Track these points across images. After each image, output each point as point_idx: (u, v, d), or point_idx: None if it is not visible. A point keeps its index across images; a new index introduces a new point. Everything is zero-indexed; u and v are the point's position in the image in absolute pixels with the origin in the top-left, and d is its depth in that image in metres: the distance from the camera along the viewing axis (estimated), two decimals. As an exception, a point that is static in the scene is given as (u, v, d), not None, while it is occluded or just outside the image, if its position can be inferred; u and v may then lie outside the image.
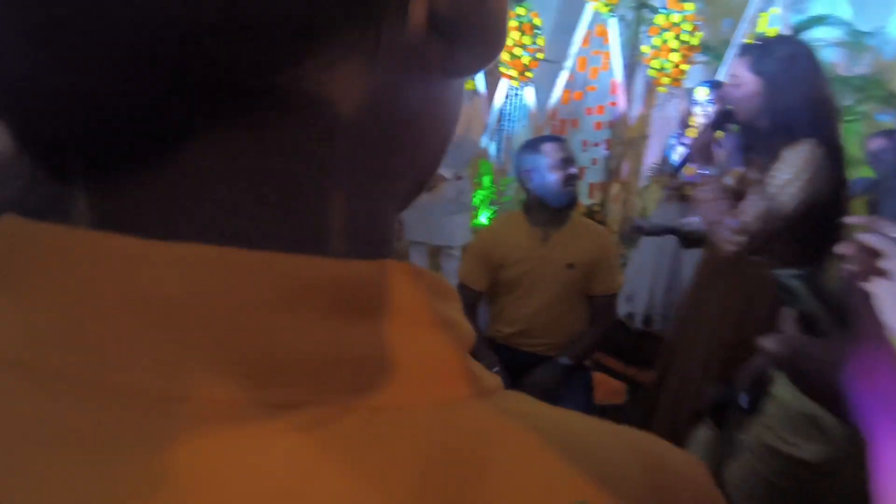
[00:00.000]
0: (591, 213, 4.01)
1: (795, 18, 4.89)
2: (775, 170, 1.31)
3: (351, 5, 0.15)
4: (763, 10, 3.60)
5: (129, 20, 0.14)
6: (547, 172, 1.69)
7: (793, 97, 1.31)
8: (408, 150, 0.20)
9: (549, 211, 1.73)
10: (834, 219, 1.34)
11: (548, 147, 1.72)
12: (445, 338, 0.17)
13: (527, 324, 1.77)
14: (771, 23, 3.56)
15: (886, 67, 5.14)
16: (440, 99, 0.20)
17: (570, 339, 1.77)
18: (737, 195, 1.37)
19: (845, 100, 4.93)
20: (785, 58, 1.34)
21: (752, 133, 1.45)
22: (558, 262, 1.72)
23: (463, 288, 1.80)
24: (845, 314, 0.62)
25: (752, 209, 1.30)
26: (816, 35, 4.99)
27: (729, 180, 1.46)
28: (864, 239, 0.73)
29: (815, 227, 1.33)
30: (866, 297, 0.67)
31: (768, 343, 0.67)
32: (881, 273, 0.71)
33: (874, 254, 0.71)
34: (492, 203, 4.78)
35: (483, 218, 4.90)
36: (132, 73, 0.14)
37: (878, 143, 2.47)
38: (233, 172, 0.16)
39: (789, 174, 1.28)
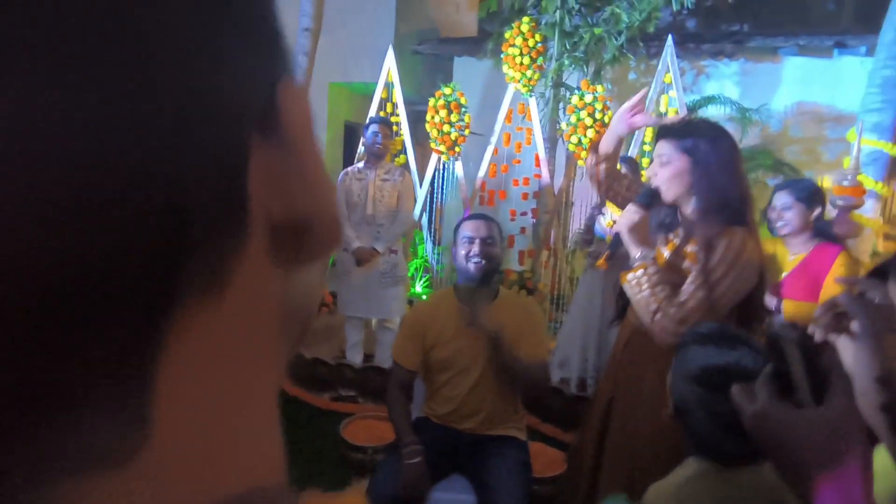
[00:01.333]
0: (521, 280, 4.13)
1: (690, 98, 5.46)
2: (713, 259, 1.31)
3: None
4: (663, 91, 3.99)
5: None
6: (458, 249, 1.79)
7: (721, 177, 1.35)
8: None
9: (473, 289, 1.77)
10: (759, 297, 1.41)
11: (464, 224, 1.82)
12: None
13: (460, 402, 1.77)
14: (670, 103, 3.95)
15: (773, 138, 5.80)
16: (296, 285, 0.21)
17: (500, 416, 1.78)
18: (671, 281, 1.36)
19: (741, 168, 5.48)
20: (711, 138, 1.37)
21: (679, 212, 1.46)
22: (486, 340, 1.73)
23: (397, 367, 1.80)
24: (824, 385, 0.67)
25: (691, 301, 1.30)
26: (709, 112, 5.59)
27: (658, 260, 1.44)
28: (835, 300, 0.79)
29: (744, 308, 1.37)
30: (834, 352, 0.73)
31: (742, 401, 0.70)
32: (846, 331, 0.76)
33: (842, 314, 0.77)
34: (426, 272, 4.84)
35: (419, 287, 4.93)
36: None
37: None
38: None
39: (726, 264, 1.30)
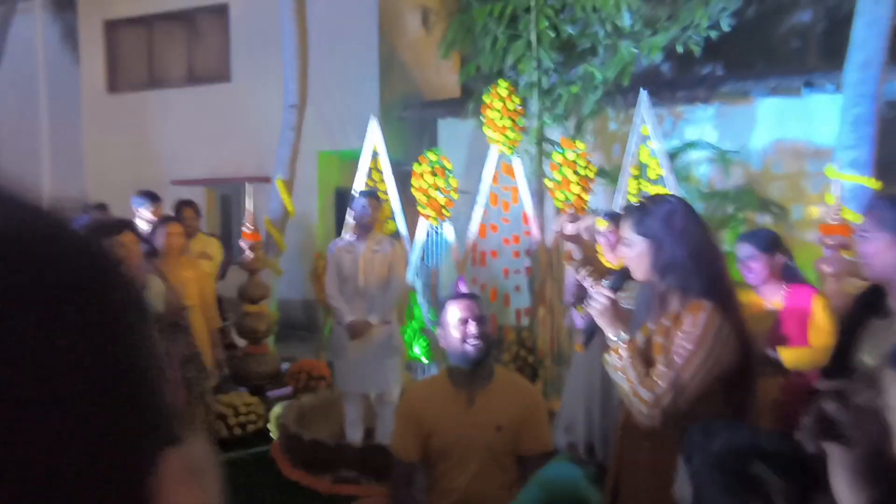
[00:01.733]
0: (520, 339, 4.09)
1: (670, 145, 5.59)
2: (678, 339, 1.30)
3: None
4: (642, 142, 4.08)
5: None
6: (450, 332, 1.71)
7: (677, 254, 1.35)
8: None
9: (468, 371, 1.71)
10: (747, 374, 1.36)
11: (452, 306, 1.74)
12: None
13: (462, 493, 1.69)
14: (651, 153, 4.03)
15: (756, 177, 5.91)
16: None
17: None
18: (644, 363, 1.35)
19: (726, 209, 5.55)
20: (664, 216, 1.38)
21: (652, 290, 1.46)
22: (487, 426, 1.68)
23: (398, 462, 1.72)
24: None
25: (658, 386, 1.29)
26: (691, 157, 5.71)
27: (641, 338, 1.44)
28: (822, 409, 0.78)
29: (728, 386, 1.33)
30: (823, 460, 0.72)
31: None
32: (836, 438, 0.76)
33: (831, 421, 0.77)
34: (423, 333, 4.79)
35: (417, 349, 4.87)
36: None
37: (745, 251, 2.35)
38: None
39: (691, 345, 1.28)
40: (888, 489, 0.72)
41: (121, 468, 0.23)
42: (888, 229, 1.40)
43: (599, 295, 1.42)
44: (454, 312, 1.72)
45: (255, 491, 3.05)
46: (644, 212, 1.43)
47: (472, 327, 1.70)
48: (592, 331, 1.50)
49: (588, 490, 1.54)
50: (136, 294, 0.26)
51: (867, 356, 1.43)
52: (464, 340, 1.69)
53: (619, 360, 1.37)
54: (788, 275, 2.25)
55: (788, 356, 2.09)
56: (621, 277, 1.48)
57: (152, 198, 3.89)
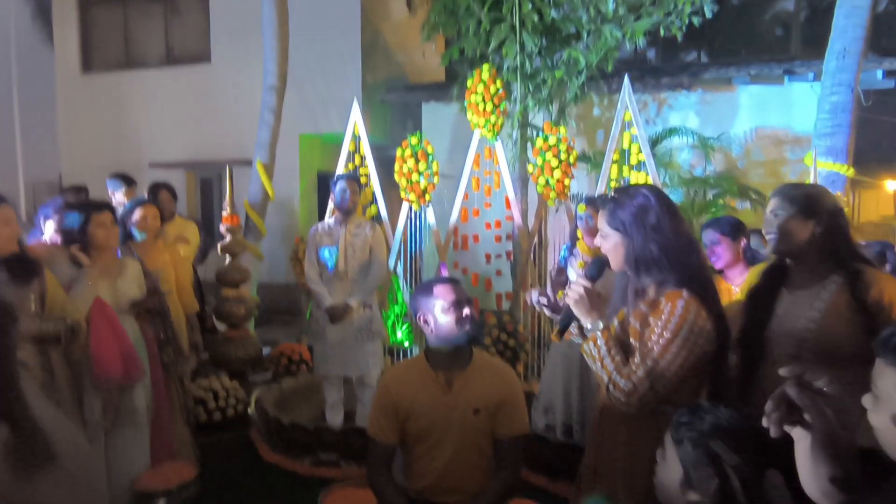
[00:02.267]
0: (501, 323, 4.11)
1: (652, 131, 5.62)
2: (655, 326, 1.31)
3: None
4: (625, 128, 4.09)
5: None
6: (441, 315, 1.68)
7: (649, 245, 1.36)
8: None
9: (448, 354, 1.71)
10: (722, 360, 1.38)
11: (439, 289, 1.71)
12: None
13: (438, 475, 1.70)
14: (632, 140, 4.04)
15: (736, 163, 5.97)
16: None
17: (479, 491, 1.70)
18: (620, 352, 1.36)
19: (706, 196, 5.60)
20: (635, 211, 1.38)
21: (628, 280, 1.47)
22: (464, 409, 1.69)
23: (374, 443, 1.71)
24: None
25: (635, 375, 1.30)
26: (673, 143, 5.74)
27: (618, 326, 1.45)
28: (784, 392, 0.80)
29: (704, 372, 1.35)
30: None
31: None
32: (800, 423, 0.79)
33: (793, 405, 0.79)
34: (405, 319, 4.79)
35: (399, 334, 4.87)
36: None
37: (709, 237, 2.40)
38: None
39: (668, 333, 1.29)
40: (849, 467, 0.74)
41: None
42: (795, 206, 1.53)
43: (576, 283, 1.43)
44: (444, 295, 1.70)
45: (234, 474, 3.05)
46: (616, 204, 1.43)
47: (467, 309, 1.70)
48: (568, 320, 1.50)
49: None
50: None
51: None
52: (458, 323, 1.68)
53: (595, 349, 1.37)
54: (752, 259, 2.36)
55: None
56: (599, 266, 1.48)
57: (127, 181, 3.81)
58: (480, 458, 1.72)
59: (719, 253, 2.33)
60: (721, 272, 2.40)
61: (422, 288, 1.79)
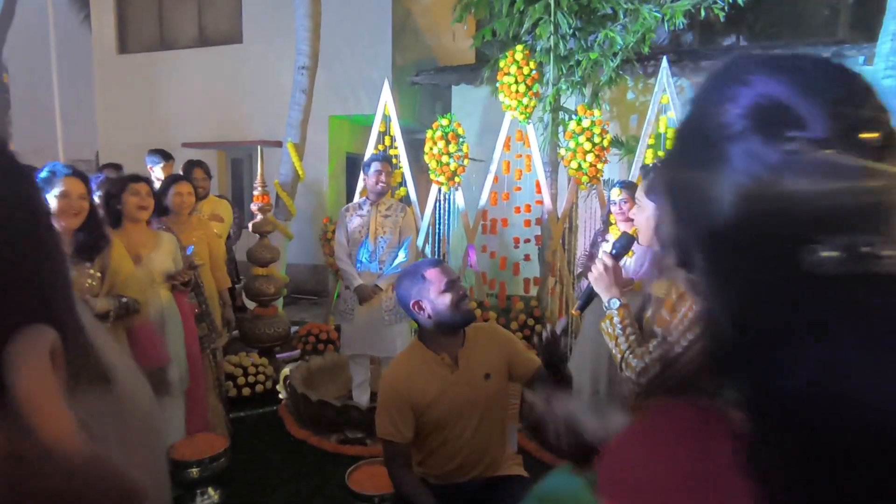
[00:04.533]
0: (529, 308, 4.07)
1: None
2: (680, 311, 1.28)
3: None
4: (662, 112, 3.97)
5: None
6: (437, 299, 1.64)
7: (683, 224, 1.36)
8: None
9: (447, 334, 1.68)
10: None
11: (431, 273, 1.67)
12: None
13: (464, 457, 1.69)
14: (669, 123, 3.92)
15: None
16: None
17: (499, 458, 1.71)
18: (636, 332, 1.35)
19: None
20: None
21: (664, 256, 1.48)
22: (476, 378, 1.68)
23: (390, 445, 1.66)
24: None
25: (652, 353, 1.28)
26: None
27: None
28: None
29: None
30: None
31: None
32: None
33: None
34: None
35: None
36: None
37: None
38: None
39: (687, 323, 1.26)
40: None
41: None
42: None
43: (599, 260, 1.42)
44: (437, 278, 1.66)
45: (262, 449, 3.10)
46: (652, 174, 1.43)
47: (462, 289, 1.68)
48: (590, 296, 1.49)
49: (590, 501, 1.50)
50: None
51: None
52: (459, 303, 1.65)
53: (611, 326, 1.37)
54: None
55: None
56: (625, 243, 1.47)
57: (165, 156, 3.88)
58: (499, 425, 1.73)
59: None
60: None
61: (409, 275, 1.73)
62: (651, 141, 3.98)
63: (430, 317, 1.66)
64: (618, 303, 1.39)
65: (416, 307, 1.67)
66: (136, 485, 0.24)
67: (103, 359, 0.30)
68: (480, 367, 1.69)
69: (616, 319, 1.37)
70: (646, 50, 5.06)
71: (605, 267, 1.42)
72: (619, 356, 1.34)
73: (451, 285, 1.66)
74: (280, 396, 3.67)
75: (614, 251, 1.46)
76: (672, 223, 0.47)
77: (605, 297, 1.41)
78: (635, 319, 1.42)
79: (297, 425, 3.31)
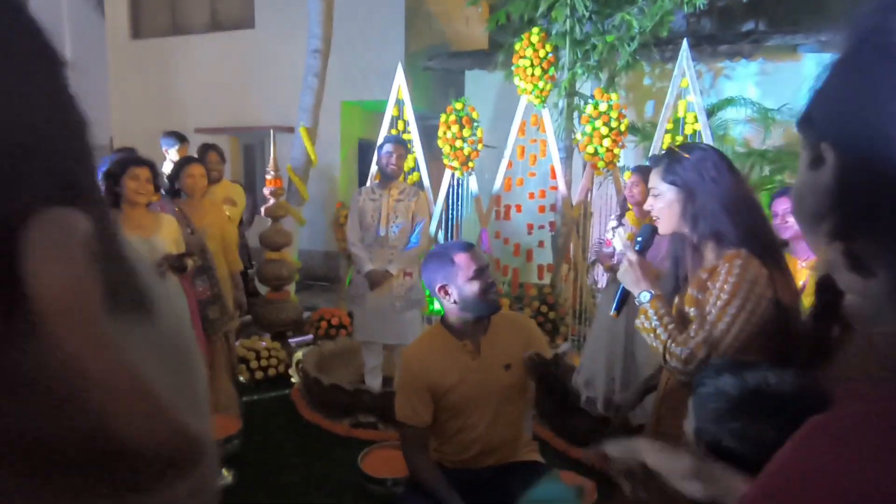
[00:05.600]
0: (542, 295, 4.03)
1: (708, 102, 5.33)
2: (711, 290, 1.27)
3: None
4: (681, 96, 3.89)
5: None
6: (465, 286, 1.59)
7: (708, 202, 1.29)
8: None
9: (470, 322, 1.64)
10: (786, 326, 1.27)
11: (461, 258, 1.60)
12: None
13: (482, 443, 1.67)
14: (688, 108, 3.84)
15: (797, 138, 5.61)
16: None
17: (516, 448, 1.69)
18: (673, 321, 1.31)
19: (763, 171, 5.32)
20: (695, 163, 1.32)
21: (684, 243, 1.41)
22: (497, 368, 1.64)
23: (409, 428, 1.63)
24: None
25: (692, 341, 1.24)
26: (728, 115, 5.45)
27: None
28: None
29: (767, 339, 1.25)
30: None
31: None
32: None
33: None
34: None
35: (437, 304, 4.86)
36: None
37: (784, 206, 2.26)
38: None
39: (725, 296, 1.23)
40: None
41: None
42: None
43: (625, 257, 1.39)
44: (467, 264, 1.60)
45: (275, 432, 3.11)
46: (672, 159, 1.36)
47: (490, 278, 1.64)
48: (625, 296, 1.45)
49: None
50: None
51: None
52: (487, 291, 1.60)
53: (646, 321, 1.33)
54: None
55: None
56: (647, 234, 1.43)
57: (180, 138, 3.88)
58: (517, 414, 1.70)
59: (792, 223, 2.18)
60: (787, 244, 2.27)
61: (437, 257, 1.65)
62: (669, 126, 3.90)
63: (455, 302, 1.61)
64: (648, 295, 1.35)
65: (441, 291, 1.62)
66: (195, 435, 0.19)
67: (142, 278, 0.24)
68: (502, 357, 1.65)
69: (650, 312, 1.33)
70: (664, 33, 4.95)
71: (630, 262, 1.38)
72: (660, 348, 1.30)
73: (480, 273, 1.60)
74: (292, 380, 3.68)
75: (638, 246, 1.42)
76: (837, 180, 0.38)
77: (634, 292, 1.38)
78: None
79: (310, 409, 3.31)
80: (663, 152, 1.47)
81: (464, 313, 1.62)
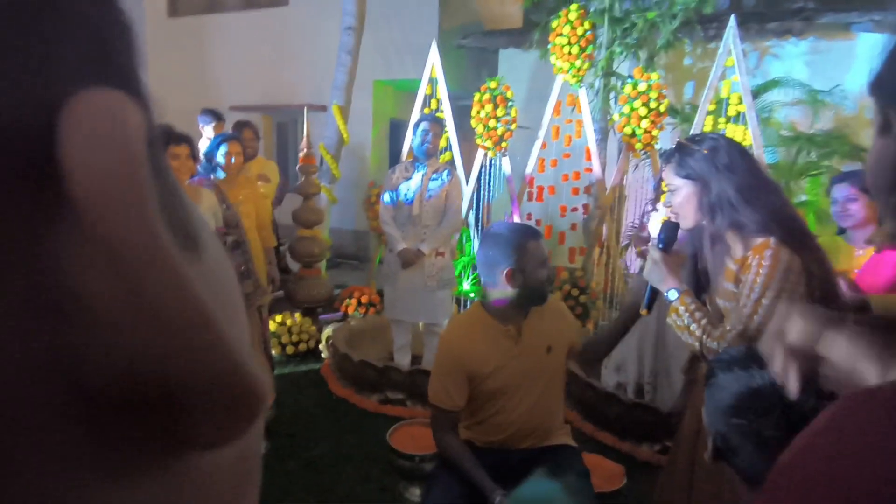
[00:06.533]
0: (573, 278, 3.98)
1: (753, 83, 5.12)
2: (744, 283, 1.25)
3: None
4: (724, 76, 3.74)
5: None
6: (533, 273, 1.56)
7: (723, 190, 1.27)
8: None
9: (521, 307, 1.62)
10: (830, 300, 1.24)
11: (533, 245, 1.58)
12: None
13: (518, 427, 1.66)
14: (732, 88, 3.69)
15: (847, 122, 5.36)
16: None
17: (552, 431, 1.70)
18: (705, 316, 1.31)
19: (810, 155, 5.10)
20: (705, 154, 1.30)
21: (702, 236, 1.41)
22: (538, 352, 1.64)
23: (441, 411, 1.61)
24: None
25: (731, 331, 1.24)
26: (775, 97, 5.22)
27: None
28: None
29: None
30: None
31: None
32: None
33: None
34: (473, 269, 4.75)
35: (466, 284, 4.85)
36: None
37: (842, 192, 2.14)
38: None
39: (758, 288, 1.21)
40: None
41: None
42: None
43: (650, 256, 1.38)
44: (541, 252, 1.59)
45: (305, 406, 3.18)
46: (683, 153, 1.34)
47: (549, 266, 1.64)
48: (654, 293, 1.43)
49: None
50: None
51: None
52: (551, 280, 1.61)
53: (678, 318, 1.33)
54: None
55: (878, 303, 1.91)
56: (669, 231, 1.41)
57: (216, 116, 3.93)
58: (556, 397, 1.70)
59: (854, 211, 2.06)
60: (843, 231, 2.16)
61: (506, 241, 1.59)
62: (711, 107, 3.76)
63: (520, 287, 1.57)
64: (677, 293, 1.34)
65: (507, 275, 1.56)
66: (255, 377, 0.17)
67: (191, 214, 0.22)
68: (544, 340, 1.65)
69: (681, 309, 1.32)
70: (708, 10, 4.75)
71: (654, 261, 1.37)
72: (696, 344, 1.29)
73: (546, 262, 1.62)
74: (323, 356, 3.74)
75: (661, 245, 1.39)
76: None
77: (663, 290, 1.37)
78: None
79: (340, 384, 3.37)
80: (672, 147, 1.43)
81: (522, 299, 1.60)
